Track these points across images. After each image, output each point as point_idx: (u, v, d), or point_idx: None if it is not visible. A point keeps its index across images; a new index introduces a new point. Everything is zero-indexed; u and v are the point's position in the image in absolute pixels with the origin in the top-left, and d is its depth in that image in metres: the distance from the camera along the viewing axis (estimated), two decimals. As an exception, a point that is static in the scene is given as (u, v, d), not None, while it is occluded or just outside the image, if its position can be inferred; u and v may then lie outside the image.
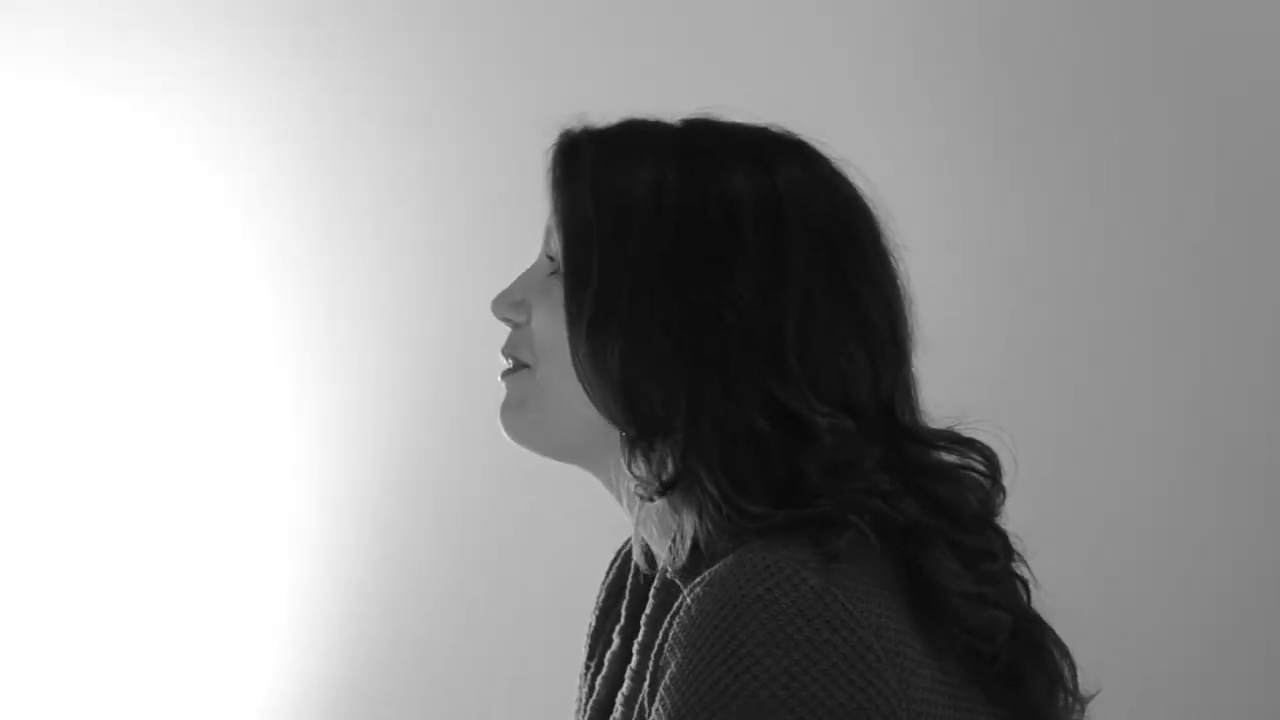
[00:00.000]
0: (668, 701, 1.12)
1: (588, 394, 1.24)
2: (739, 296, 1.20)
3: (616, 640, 1.35)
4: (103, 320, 2.31)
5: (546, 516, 2.21)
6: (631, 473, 1.22)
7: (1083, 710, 1.29)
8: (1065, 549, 2.06)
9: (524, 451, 1.37)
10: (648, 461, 1.22)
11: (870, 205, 1.28)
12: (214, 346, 2.31)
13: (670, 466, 1.20)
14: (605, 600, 1.43)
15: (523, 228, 1.80)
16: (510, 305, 1.32)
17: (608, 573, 1.45)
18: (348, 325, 2.29)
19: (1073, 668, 1.27)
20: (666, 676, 1.12)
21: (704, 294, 1.20)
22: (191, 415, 2.30)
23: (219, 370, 2.30)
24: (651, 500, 1.22)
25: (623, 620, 1.36)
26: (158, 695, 2.30)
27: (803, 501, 1.17)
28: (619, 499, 1.29)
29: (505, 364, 1.33)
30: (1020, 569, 1.28)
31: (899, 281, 1.27)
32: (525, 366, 1.30)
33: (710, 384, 1.19)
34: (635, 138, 1.28)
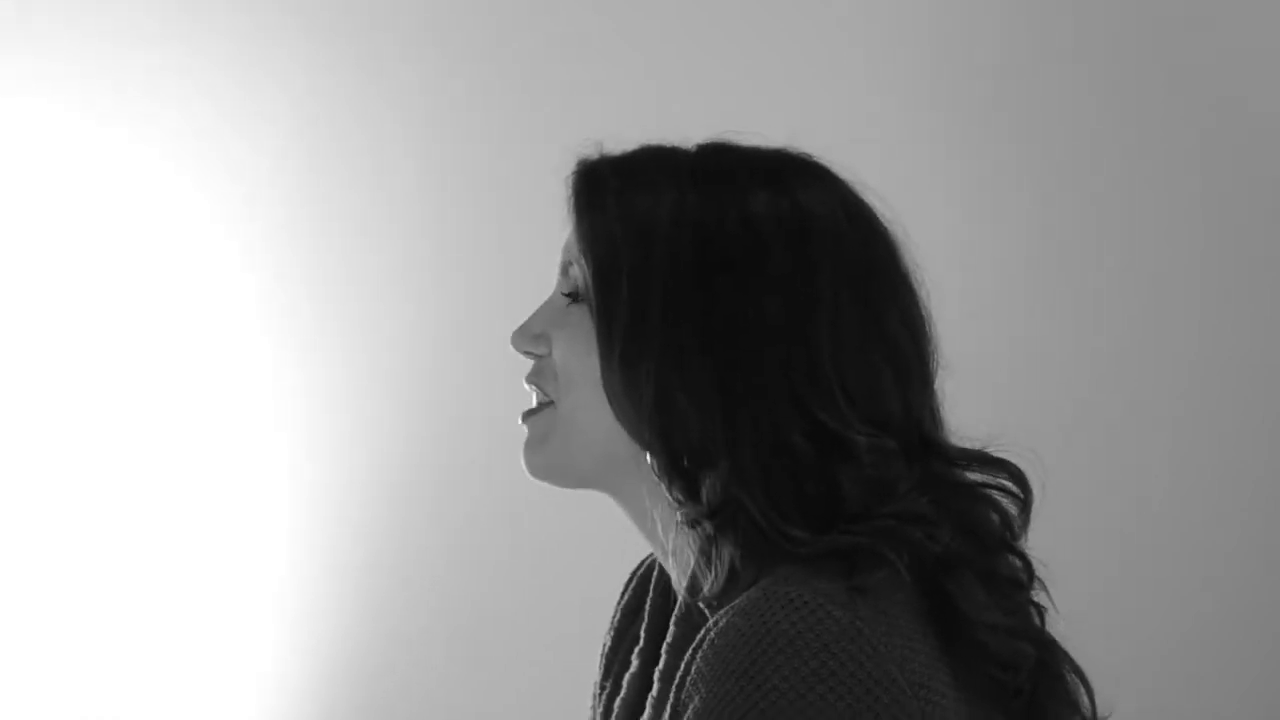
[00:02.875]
0: None
1: (622, 424, 1.23)
2: (770, 318, 1.20)
3: (635, 663, 1.35)
4: (97, 323, 2.31)
5: (548, 520, 2.21)
6: (673, 496, 1.22)
7: None
8: (1081, 571, 2.08)
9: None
10: (687, 488, 1.21)
11: (889, 226, 1.28)
12: (207, 349, 2.31)
13: (713, 492, 1.19)
14: (621, 620, 1.43)
15: (522, 229, 1.81)
16: (530, 338, 1.31)
17: (623, 593, 1.45)
18: (343, 327, 2.29)
19: (1090, 694, 1.27)
20: (690, 711, 1.13)
21: (735, 318, 1.20)
22: (187, 418, 2.30)
23: (212, 373, 2.31)
24: (693, 527, 1.21)
25: (642, 643, 1.36)
26: (154, 695, 2.30)
27: (840, 525, 1.17)
28: (643, 526, 1.29)
29: (529, 392, 1.32)
30: (1039, 595, 1.28)
31: (921, 301, 1.27)
32: (548, 404, 1.30)
33: (748, 406, 1.19)
34: (655, 164, 1.28)
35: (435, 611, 2.29)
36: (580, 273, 1.27)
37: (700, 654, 1.14)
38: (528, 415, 1.31)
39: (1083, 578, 2.11)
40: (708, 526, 1.20)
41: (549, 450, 1.29)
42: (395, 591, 2.29)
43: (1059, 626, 1.29)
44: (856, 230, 1.26)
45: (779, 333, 1.20)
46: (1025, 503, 1.26)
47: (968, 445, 1.27)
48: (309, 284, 2.30)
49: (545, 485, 2.14)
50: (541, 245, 1.36)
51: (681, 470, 1.21)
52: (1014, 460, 1.27)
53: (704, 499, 1.20)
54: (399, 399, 2.29)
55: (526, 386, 1.32)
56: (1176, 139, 2.12)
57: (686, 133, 1.33)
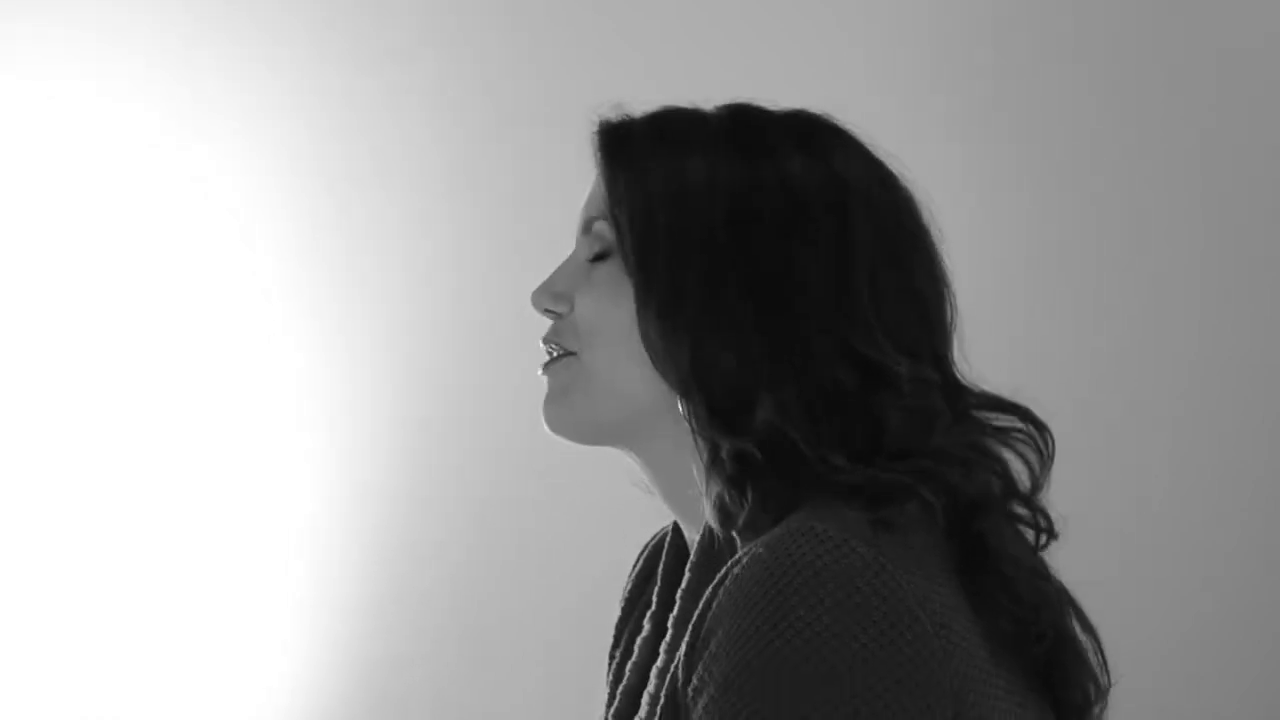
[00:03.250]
0: (714, 669, 1.12)
1: (660, 371, 1.23)
2: (809, 268, 1.22)
3: (647, 626, 1.34)
4: (113, 320, 2.32)
5: (569, 516, 2.22)
6: (713, 436, 1.21)
7: (1105, 702, 1.29)
8: (1082, 571, 2.08)
9: (540, 449, 1.35)
10: (726, 425, 1.21)
11: (911, 187, 1.31)
12: (230, 345, 2.31)
13: (760, 425, 1.20)
14: (633, 589, 1.42)
15: (543, 223, 1.81)
16: (552, 296, 1.31)
17: (635, 564, 1.45)
18: (364, 325, 2.30)
19: (1102, 653, 1.28)
20: (713, 643, 1.12)
21: (774, 266, 1.22)
22: (208, 418, 2.31)
23: (232, 370, 2.31)
24: (730, 465, 1.21)
25: (654, 606, 1.35)
26: (171, 695, 2.30)
27: (880, 463, 1.18)
28: (663, 480, 1.29)
29: (546, 354, 1.31)
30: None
31: (941, 260, 1.30)
32: (569, 354, 1.29)
33: (789, 344, 1.20)
34: (684, 124, 1.29)
35: (452, 609, 2.29)
36: (610, 229, 1.28)
37: (724, 589, 1.13)
38: (548, 365, 1.31)
39: (1083, 577, 2.11)
40: (742, 463, 1.20)
41: (572, 402, 1.29)
42: (414, 589, 2.29)
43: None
44: (886, 191, 1.28)
45: (818, 280, 1.22)
46: (1046, 450, 1.27)
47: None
48: (332, 278, 2.31)
49: (561, 484, 2.16)
50: (566, 242, 1.36)
51: (722, 411, 1.21)
52: (1034, 410, 1.28)
53: (749, 431, 1.20)
54: (420, 396, 2.29)
55: (542, 346, 1.31)
56: (1176, 138, 2.13)
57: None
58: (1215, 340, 2.12)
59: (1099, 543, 2.13)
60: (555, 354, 1.30)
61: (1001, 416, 1.26)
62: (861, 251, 1.23)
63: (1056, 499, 2.09)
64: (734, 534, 1.22)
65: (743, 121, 1.29)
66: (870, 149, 1.31)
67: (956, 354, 1.29)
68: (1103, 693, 1.27)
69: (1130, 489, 2.13)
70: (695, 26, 2.21)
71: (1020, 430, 1.26)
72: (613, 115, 1.31)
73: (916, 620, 1.11)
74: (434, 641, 2.29)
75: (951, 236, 2.10)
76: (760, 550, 1.13)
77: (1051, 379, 2.15)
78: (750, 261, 1.22)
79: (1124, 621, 2.11)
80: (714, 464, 1.22)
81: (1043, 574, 1.22)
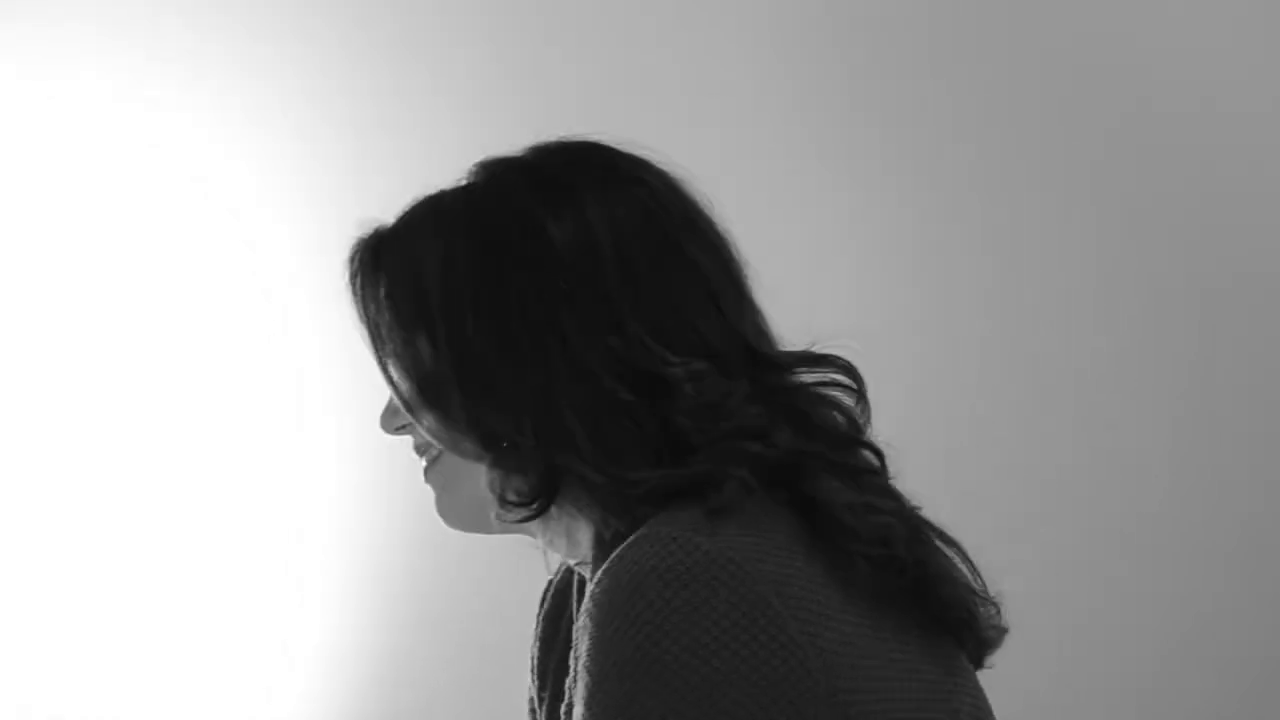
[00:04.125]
0: (583, 680, 1.13)
1: (454, 450, 1.26)
2: (557, 285, 1.22)
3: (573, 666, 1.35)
4: (112, 320, 2.32)
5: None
6: (507, 500, 1.23)
7: (995, 606, 1.27)
8: (1082, 572, 2.07)
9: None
10: (525, 479, 1.23)
11: (680, 187, 1.29)
12: (227, 344, 2.31)
13: (537, 470, 1.22)
14: (545, 629, 1.45)
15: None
16: (391, 416, 1.33)
17: (541, 603, 1.47)
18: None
19: (972, 566, 1.26)
20: (579, 663, 1.14)
21: (522, 301, 1.22)
22: (208, 418, 2.31)
23: (232, 370, 2.31)
24: (542, 514, 1.23)
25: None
26: (168, 698, 2.31)
27: (684, 458, 1.19)
28: (554, 546, 1.30)
29: (422, 465, 1.34)
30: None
31: (716, 224, 1.29)
32: (438, 456, 1.31)
33: (556, 374, 1.21)
34: (411, 231, 1.31)
35: (453, 609, 2.29)
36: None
37: (583, 608, 1.15)
38: (426, 473, 1.33)
39: (1084, 578, 2.10)
40: (579, 506, 1.22)
41: (449, 500, 1.32)
42: (413, 589, 2.30)
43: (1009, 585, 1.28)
44: (627, 190, 1.27)
45: (569, 295, 1.22)
46: (859, 392, 1.27)
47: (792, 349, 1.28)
48: (333, 279, 2.29)
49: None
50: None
51: (532, 474, 1.23)
52: (840, 354, 1.28)
53: (557, 486, 1.22)
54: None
55: (416, 455, 1.34)
56: (1151, 141, 2.12)
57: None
58: (1216, 339, 2.11)
59: (1099, 543, 2.13)
60: (426, 462, 1.33)
61: (814, 370, 1.26)
62: (604, 245, 1.23)
63: (1059, 500, 2.10)
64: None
65: (481, 178, 1.31)
66: (616, 148, 1.30)
67: (760, 308, 1.29)
68: (985, 598, 1.26)
69: (1129, 489, 2.13)
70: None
71: (829, 382, 1.26)
72: (362, 234, 1.34)
73: (769, 606, 1.11)
74: (437, 640, 2.29)
75: (952, 236, 2.12)
76: (610, 565, 1.14)
77: (1053, 378, 2.15)
78: (497, 307, 1.23)
79: (1125, 621, 2.12)
80: (571, 523, 1.25)
81: (878, 508, 1.21)
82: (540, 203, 1.25)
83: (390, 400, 1.32)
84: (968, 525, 1.26)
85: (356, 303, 1.32)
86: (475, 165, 1.33)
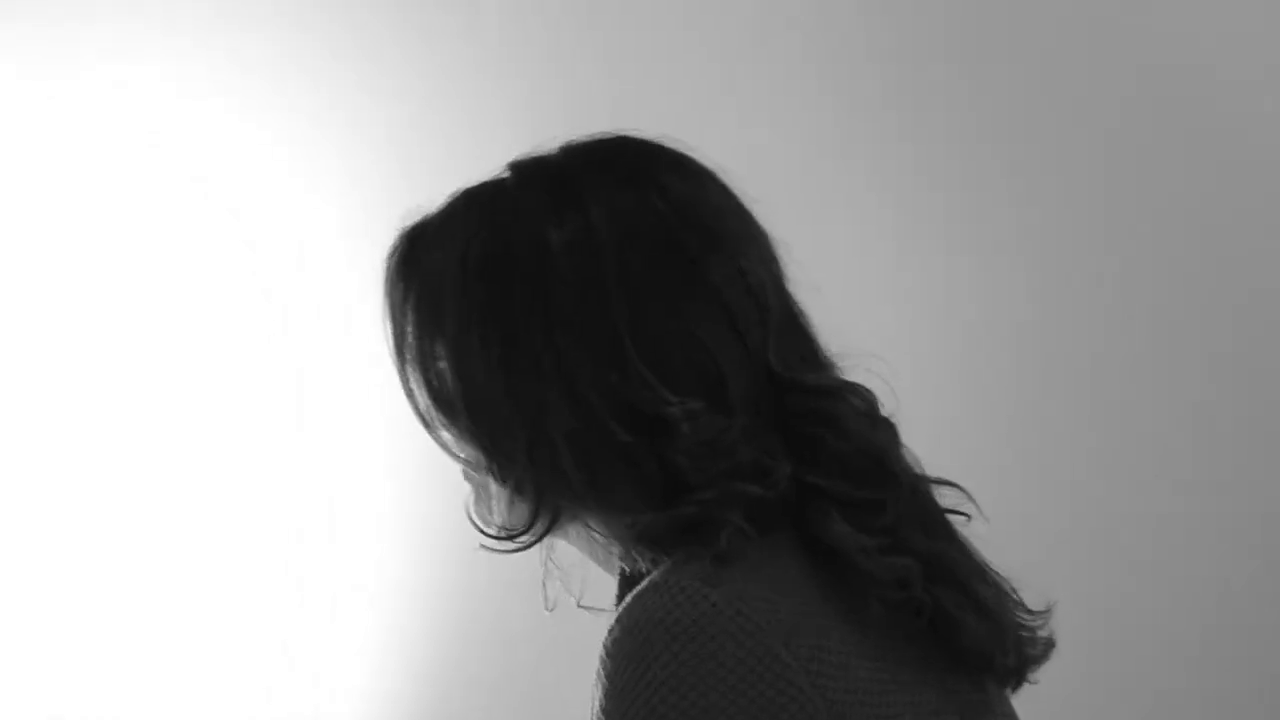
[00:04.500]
0: None
1: (465, 465, 1.27)
2: (557, 302, 1.20)
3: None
4: (112, 320, 2.31)
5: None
6: (504, 528, 1.25)
7: (1046, 623, 1.27)
8: (1082, 572, 2.08)
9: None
10: (526, 508, 1.24)
11: (709, 189, 1.26)
12: (227, 344, 2.31)
13: (545, 513, 1.23)
14: None
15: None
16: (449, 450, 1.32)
17: (618, 597, 1.44)
18: (363, 324, 2.28)
19: (1012, 588, 1.25)
20: (597, 701, 1.14)
21: (525, 320, 1.21)
22: (207, 418, 2.31)
23: (231, 370, 2.31)
24: (526, 548, 1.25)
25: None
26: (170, 698, 2.30)
27: (682, 497, 1.18)
28: (600, 557, 1.30)
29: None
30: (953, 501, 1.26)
31: (759, 239, 1.25)
32: None
33: (552, 407, 1.19)
34: (440, 232, 1.29)
35: (453, 610, 2.29)
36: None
37: (599, 652, 1.15)
38: (465, 473, 1.33)
39: (1083, 579, 2.11)
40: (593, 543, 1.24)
41: (483, 520, 1.32)
42: (410, 589, 2.30)
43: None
44: (640, 184, 1.24)
45: (574, 328, 1.20)
46: (873, 417, 1.24)
47: (827, 359, 1.26)
48: (333, 279, 2.31)
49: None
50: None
51: (536, 510, 1.24)
52: (864, 378, 1.26)
53: (536, 524, 1.23)
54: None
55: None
56: (1158, 136, 2.13)
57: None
58: (1218, 339, 2.12)
59: (1099, 545, 2.13)
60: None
61: (835, 396, 1.23)
62: (614, 278, 1.20)
63: (1058, 500, 2.11)
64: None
65: (511, 180, 1.28)
66: (650, 145, 1.28)
67: (808, 325, 1.26)
68: (1018, 623, 1.25)
69: (1130, 490, 2.13)
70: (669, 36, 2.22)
71: (852, 405, 1.23)
72: (395, 244, 1.31)
73: (777, 659, 1.12)
74: (438, 640, 2.29)
75: (954, 235, 2.12)
76: (621, 615, 1.14)
77: (1055, 379, 2.15)
78: (503, 336, 1.22)
79: (1125, 621, 2.12)
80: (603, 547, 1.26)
81: (893, 547, 1.19)
82: (548, 208, 1.23)
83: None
84: (1010, 529, 1.25)
85: (386, 303, 1.30)
86: (510, 162, 1.30)
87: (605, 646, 1.14)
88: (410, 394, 1.28)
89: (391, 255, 1.30)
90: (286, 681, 2.30)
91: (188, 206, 2.31)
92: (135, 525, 2.29)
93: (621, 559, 1.23)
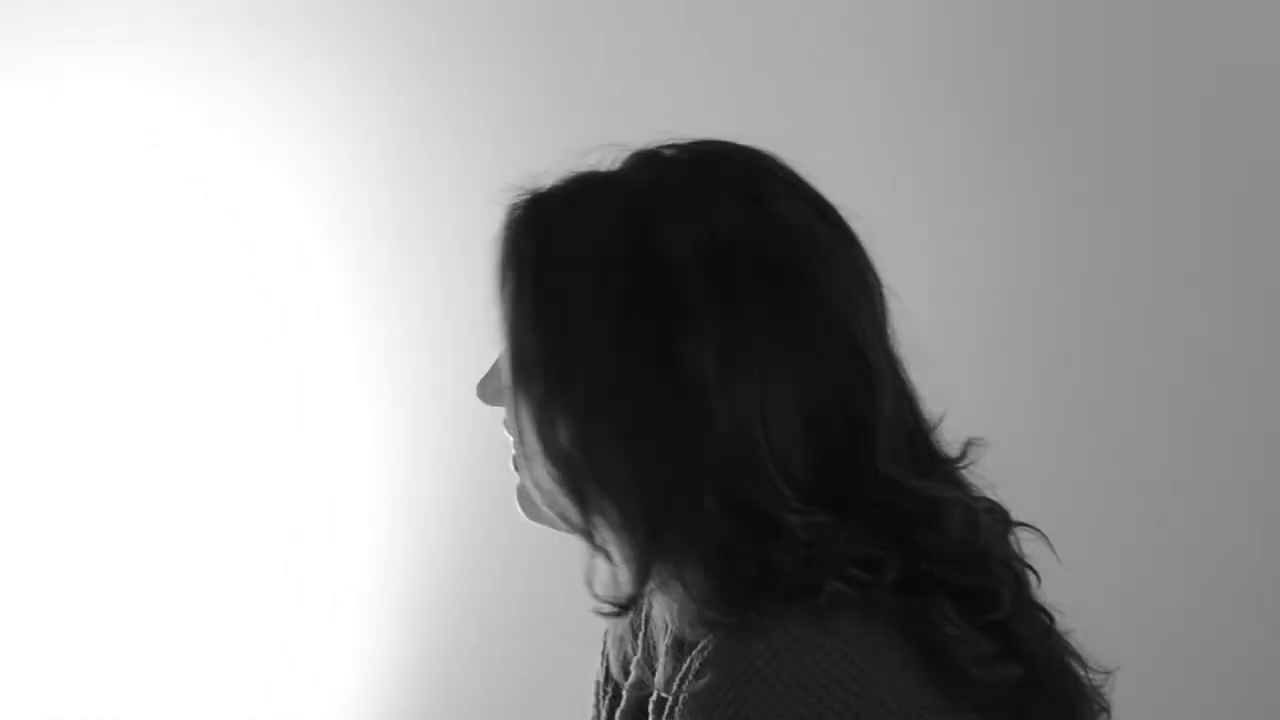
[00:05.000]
0: None
1: (544, 500, 1.20)
2: (695, 387, 1.12)
3: (634, 673, 1.32)
4: (112, 321, 2.31)
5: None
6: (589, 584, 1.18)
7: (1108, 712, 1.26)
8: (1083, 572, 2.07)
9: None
10: (609, 563, 1.17)
11: (829, 226, 1.19)
12: (226, 344, 2.31)
13: (627, 581, 1.16)
14: (622, 660, 1.39)
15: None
16: (494, 392, 1.24)
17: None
18: (363, 325, 2.29)
19: (1093, 684, 1.24)
20: None
21: (653, 391, 1.13)
22: (207, 419, 2.31)
23: (231, 371, 2.31)
24: (618, 614, 1.18)
25: (639, 653, 1.33)
26: (172, 699, 2.30)
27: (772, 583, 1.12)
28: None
29: (511, 449, 1.25)
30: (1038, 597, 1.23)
31: (872, 312, 1.18)
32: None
33: (670, 492, 1.12)
34: (572, 216, 1.19)
35: (456, 609, 2.29)
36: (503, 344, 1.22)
37: (685, 688, 1.11)
38: (515, 463, 1.25)
39: (1085, 579, 2.11)
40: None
41: (535, 511, 1.24)
42: (410, 589, 2.29)
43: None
44: (787, 244, 1.16)
45: (705, 402, 1.12)
46: (974, 523, 1.18)
47: (937, 464, 1.20)
48: (332, 279, 2.30)
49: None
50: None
51: (604, 552, 1.18)
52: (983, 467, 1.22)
53: (619, 592, 1.17)
54: (421, 396, 2.28)
55: (506, 432, 1.25)
56: (1183, 134, 2.12)
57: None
58: (1219, 340, 2.12)
59: (1098, 545, 2.13)
60: (516, 453, 1.24)
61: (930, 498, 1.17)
62: (752, 338, 1.12)
63: (1058, 500, 2.11)
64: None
65: (637, 191, 1.18)
66: (789, 182, 1.19)
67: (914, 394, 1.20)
68: (1088, 699, 1.23)
69: (1138, 492, 2.13)
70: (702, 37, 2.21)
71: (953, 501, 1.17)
72: (519, 199, 1.22)
73: (884, 706, 1.08)
74: (438, 640, 2.29)
75: (956, 234, 2.12)
76: (717, 655, 1.10)
77: (1056, 377, 2.15)
78: (630, 383, 1.13)
79: (1122, 621, 2.12)
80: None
81: (1003, 654, 1.15)
82: (691, 261, 1.13)
83: (494, 373, 1.23)
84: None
85: (499, 296, 1.21)
86: (635, 153, 1.21)
87: (696, 689, 1.09)
88: (519, 418, 1.19)
89: (507, 241, 1.22)
90: (286, 681, 2.30)
91: (188, 206, 2.31)
92: (135, 525, 2.29)
93: (687, 626, 1.16)
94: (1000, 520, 1.22)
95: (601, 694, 1.40)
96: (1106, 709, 1.25)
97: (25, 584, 2.29)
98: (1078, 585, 1.89)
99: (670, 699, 1.14)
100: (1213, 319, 2.12)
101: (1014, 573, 1.20)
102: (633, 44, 2.24)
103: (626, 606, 1.17)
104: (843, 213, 1.21)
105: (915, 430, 1.20)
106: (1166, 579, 2.13)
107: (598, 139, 1.26)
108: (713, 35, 2.21)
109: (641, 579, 1.15)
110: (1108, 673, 1.25)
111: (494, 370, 1.25)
